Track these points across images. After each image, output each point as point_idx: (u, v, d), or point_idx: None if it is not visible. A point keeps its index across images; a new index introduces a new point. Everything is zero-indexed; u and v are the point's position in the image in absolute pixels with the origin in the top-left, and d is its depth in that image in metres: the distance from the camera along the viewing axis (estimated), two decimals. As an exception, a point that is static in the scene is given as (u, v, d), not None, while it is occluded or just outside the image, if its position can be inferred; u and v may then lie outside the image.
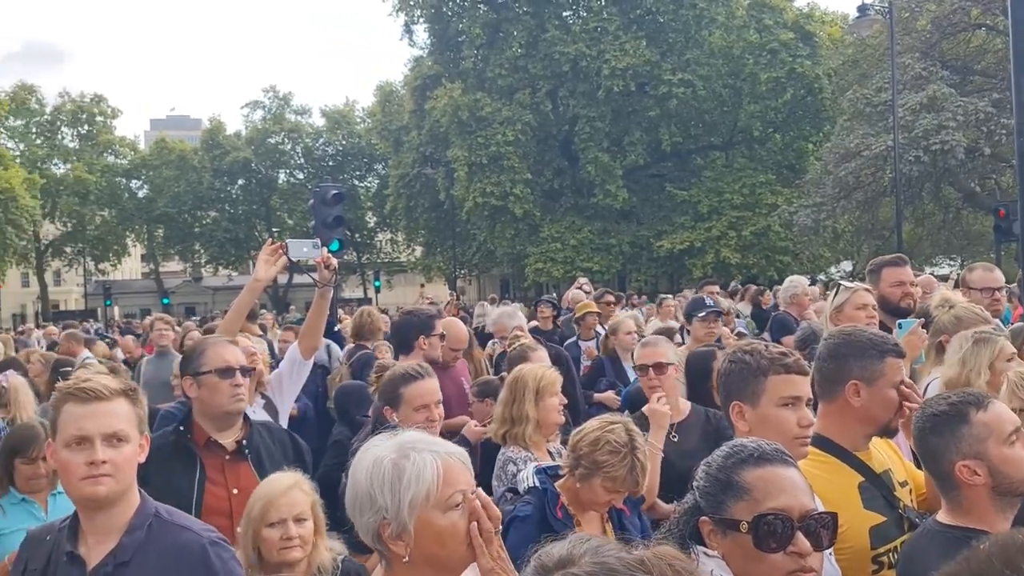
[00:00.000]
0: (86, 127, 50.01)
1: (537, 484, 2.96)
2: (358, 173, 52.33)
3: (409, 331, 4.60)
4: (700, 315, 5.78)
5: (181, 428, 2.95)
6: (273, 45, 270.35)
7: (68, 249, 50.77)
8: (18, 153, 46.39)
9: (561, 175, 38.07)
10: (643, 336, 5.65)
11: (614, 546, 1.21)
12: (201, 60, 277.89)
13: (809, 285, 8.43)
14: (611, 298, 8.73)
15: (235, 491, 2.83)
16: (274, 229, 52.41)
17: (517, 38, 37.20)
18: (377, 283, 41.18)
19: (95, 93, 51.27)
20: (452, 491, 1.68)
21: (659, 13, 36.83)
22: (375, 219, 51.03)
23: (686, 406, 3.98)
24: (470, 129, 35.75)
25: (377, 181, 51.63)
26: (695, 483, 1.83)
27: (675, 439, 3.79)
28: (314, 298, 3.80)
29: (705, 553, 1.76)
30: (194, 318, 22.54)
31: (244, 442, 2.95)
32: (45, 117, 49.18)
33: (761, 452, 1.76)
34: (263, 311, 10.46)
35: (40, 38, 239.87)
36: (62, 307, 54.86)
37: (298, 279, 50.75)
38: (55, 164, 49.50)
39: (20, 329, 18.93)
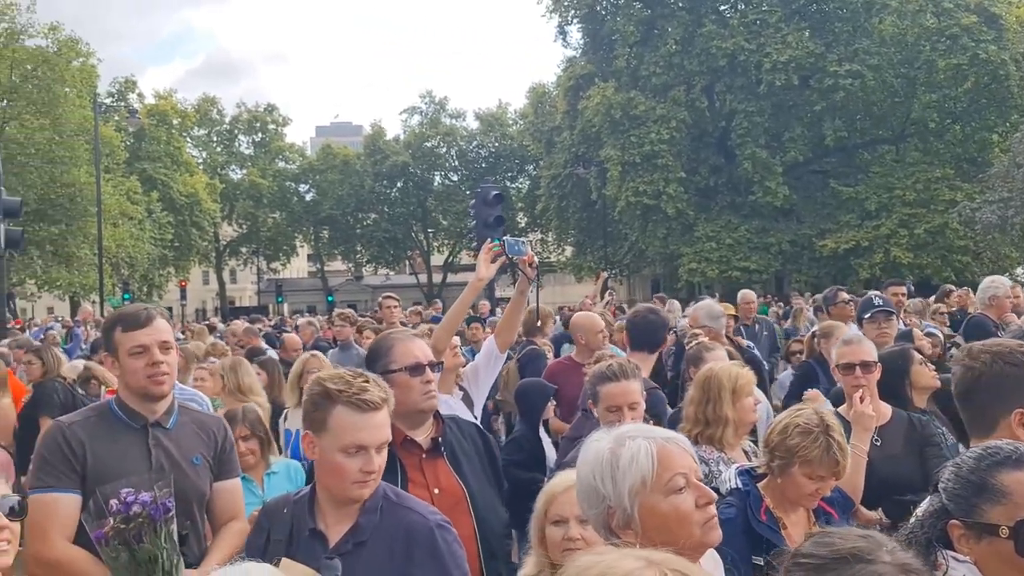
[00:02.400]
0: (260, 135, 53.59)
1: (740, 486, 2.85)
2: (510, 174, 53.12)
3: (659, 329, 4.56)
4: (867, 316, 5.45)
5: None
6: (430, 51, 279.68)
7: (243, 249, 54.55)
8: (201, 160, 50.33)
9: (717, 173, 37.10)
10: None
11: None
12: (362, 69, 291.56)
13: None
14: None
15: (436, 491, 2.76)
16: (429, 230, 54.14)
17: (672, 34, 36.56)
18: (529, 283, 41.59)
19: (268, 103, 55.03)
20: (671, 475, 1.69)
21: (824, 2, 35.26)
22: (526, 219, 51.66)
23: (887, 410, 3.75)
24: (623, 128, 35.49)
25: (528, 182, 52.22)
26: (942, 485, 1.75)
27: (878, 443, 3.59)
28: (513, 295, 3.84)
29: (954, 558, 1.69)
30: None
31: (439, 439, 2.88)
32: (224, 126, 53.06)
33: (1020, 454, 1.68)
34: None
35: (217, 55, 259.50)
36: (237, 303, 58.94)
37: (452, 278, 52.22)
38: (232, 170, 53.37)
39: (206, 322, 20.50)
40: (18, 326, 16.77)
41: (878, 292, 6.49)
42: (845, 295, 7.23)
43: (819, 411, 2.80)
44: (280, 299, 42.31)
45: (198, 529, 2.75)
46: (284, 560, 2.02)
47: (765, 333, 8.38)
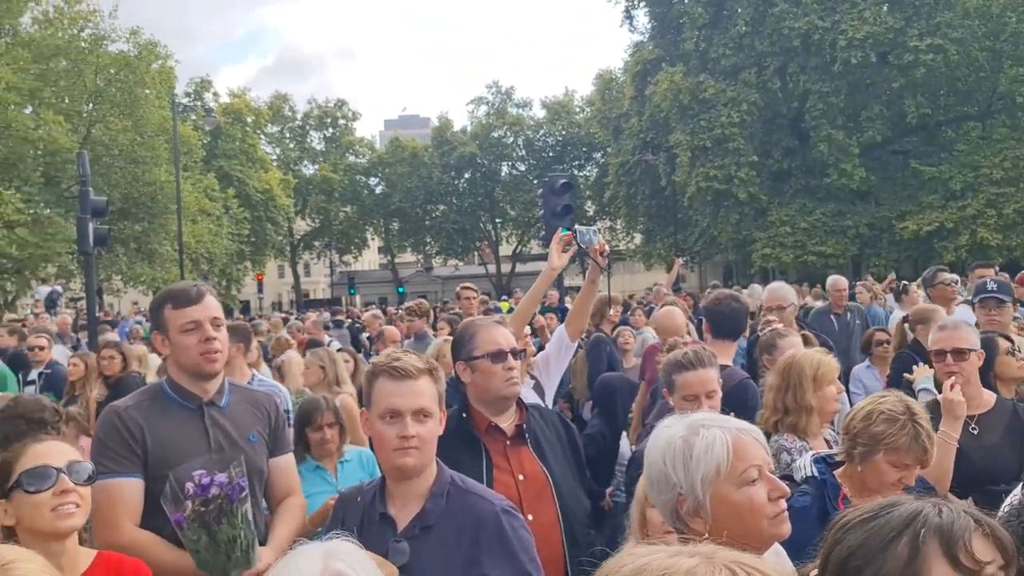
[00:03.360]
0: (330, 130, 54.61)
1: (816, 474, 2.77)
2: (577, 162, 52.86)
3: (741, 317, 4.48)
4: (977, 300, 5.21)
5: (463, 415, 2.91)
6: (496, 41, 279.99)
7: (316, 243, 55.76)
8: (275, 157, 51.54)
9: (790, 156, 36.17)
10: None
11: None
12: (429, 61, 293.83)
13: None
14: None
15: (521, 477, 2.76)
16: (497, 220, 54.32)
17: (742, 15, 35.69)
18: (597, 272, 41.34)
19: (338, 98, 55.99)
20: (746, 466, 1.70)
21: (902, -25, 33.90)
22: (594, 207, 51.37)
23: (991, 397, 3.60)
24: (692, 112, 34.91)
25: (596, 170, 51.90)
26: None
27: (975, 431, 3.44)
28: (584, 284, 3.83)
29: None
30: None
31: (523, 426, 2.89)
32: (296, 123, 54.23)
33: None
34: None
35: (288, 52, 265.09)
36: (311, 296, 60.31)
37: (520, 268, 52.33)
38: (304, 165, 54.49)
39: (283, 315, 21.05)
40: (108, 320, 17.49)
41: (995, 277, 6.07)
42: (946, 275, 6.71)
43: (903, 398, 2.71)
44: (352, 291, 43.15)
45: (260, 506, 2.77)
46: None
47: (857, 322, 7.78)
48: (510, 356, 2.88)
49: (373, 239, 59.78)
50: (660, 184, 38.56)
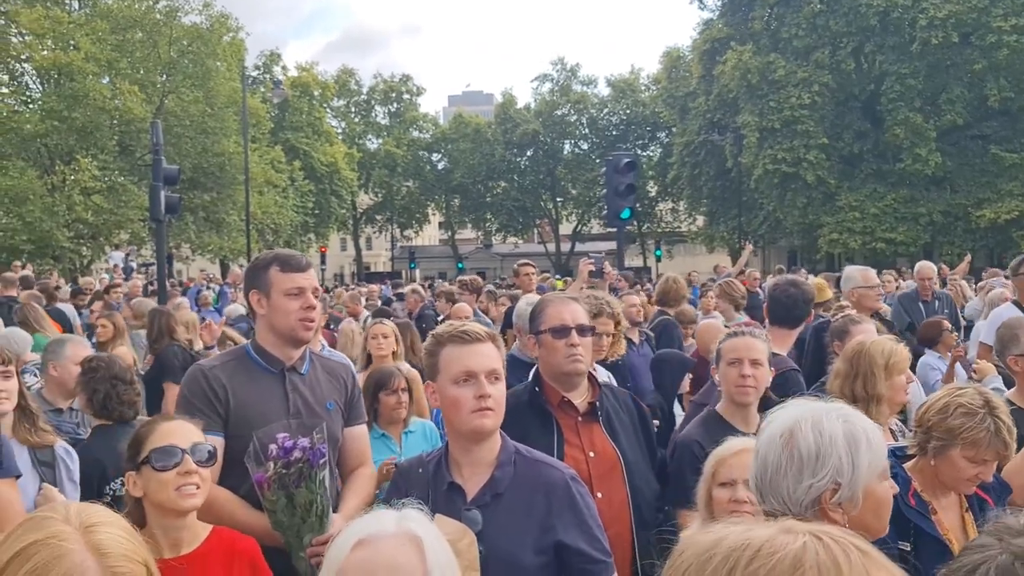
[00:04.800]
0: (395, 105, 54.88)
1: None
2: (641, 142, 52.15)
3: (801, 304, 4.38)
4: None
5: (536, 388, 2.91)
6: (562, 18, 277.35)
7: (378, 217, 56.30)
8: (340, 131, 52.10)
9: (862, 139, 35.11)
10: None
11: None
12: (494, 37, 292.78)
13: None
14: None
15: (591, 454, 2.76)
16: (558, 198, 54.07)
17: (816, -7, 34.71)
18: (658, 252, 40.98)
19: (403, 74, 56.17)
20: (886, 462, 1.75)
21: (989, -48, 32.42)
22: (656, 188, 50.71)
23: None
24: (761, 93, 34.15)
25: (660, 149, 51.18)
26: None
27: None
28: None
29: None
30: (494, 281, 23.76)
31: (596, 404, 2.88)
32: (362, 97, 54.65)
33: None
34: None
35: (354, 28, 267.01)
36: (372, 269, 61.04)
37: (580, 247, 52.07)
38: (369, 140, 54.95)
39: (344, 286, 21.37)
40: (188, 287, 17.98)
41: None
42: None
43: (982, 390, 2.62)
44: (413, 265, 43.52)
45: (334, 474, 2.80)
46: (438, 516, 2.06)
47: (946, 310, 7.54)
48: (574, 332, 2.85)
49: (434, 214, 60.07)
50: (726, 165, 37.91)
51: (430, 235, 70.19)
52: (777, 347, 3.77)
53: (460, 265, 47.21)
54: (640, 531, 2.74)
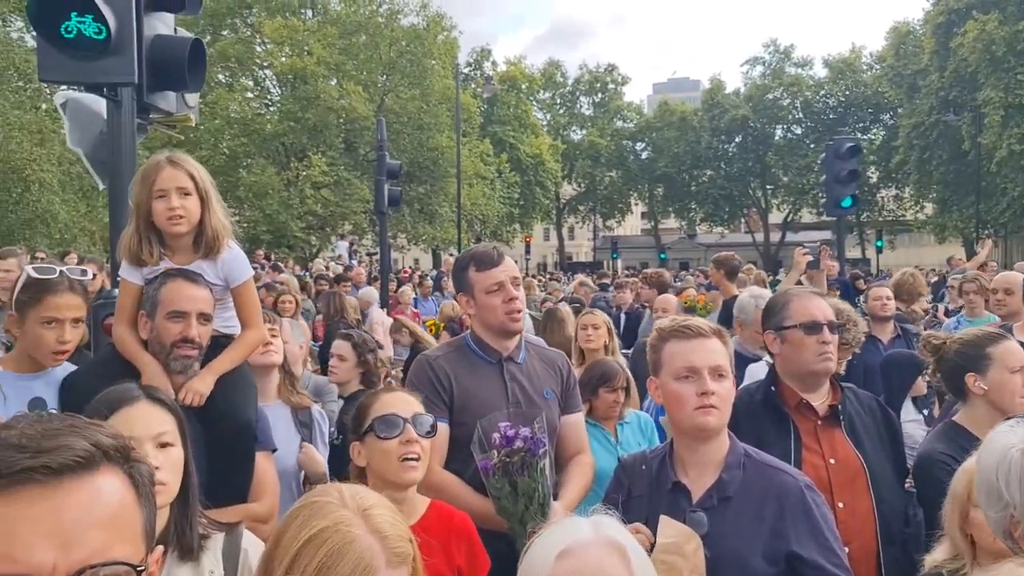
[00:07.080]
0: (599, 95, 54.99)
1: None
2: (861, 125, 48.65)
3: None
4: None
5: (772, 388, 2.76)
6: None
7: (581, 207, 56.81)
8: (545, 122, 52.98)
9: None
10: None
11: None
12: (701, 22, 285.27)
13: None
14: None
15: (832, 461, 2.57)
16: (768, 186, 51.74)
17: (1079, -51, 30.69)
18: (879, 243, 38.04)
19: (608, 63, 56.07)
20: None
21: None
22: (878, 174, 47.15)
23: None
24: (1007, 66, 30.76)
25: (883, 133, 47.52)
26: None
27: None
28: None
29: None
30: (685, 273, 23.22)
31: (839, 407, 2.68)
32: (567, 89, 55.24)
33: None
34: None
35: (560, 21, 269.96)
36: (574, 259, 61.67)
37: (791, 237, 49.52)
38: (573, 131, 55.46)
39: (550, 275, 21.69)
40: (407, 276, 19.08)
41: None
42: None
43: None
44: (615, 255, 43.42)
45: (552, 462, 2.80)
46: (663, 517, 2.01)
47: None
48: (826, 329, 2.70)
49: (636, 204, 59.64)
50: (962, 148, 34.53)
51: (631, 224, 69.77)
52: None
53: (663, 255, 46.51)
54: (887, 547, 2.52)
